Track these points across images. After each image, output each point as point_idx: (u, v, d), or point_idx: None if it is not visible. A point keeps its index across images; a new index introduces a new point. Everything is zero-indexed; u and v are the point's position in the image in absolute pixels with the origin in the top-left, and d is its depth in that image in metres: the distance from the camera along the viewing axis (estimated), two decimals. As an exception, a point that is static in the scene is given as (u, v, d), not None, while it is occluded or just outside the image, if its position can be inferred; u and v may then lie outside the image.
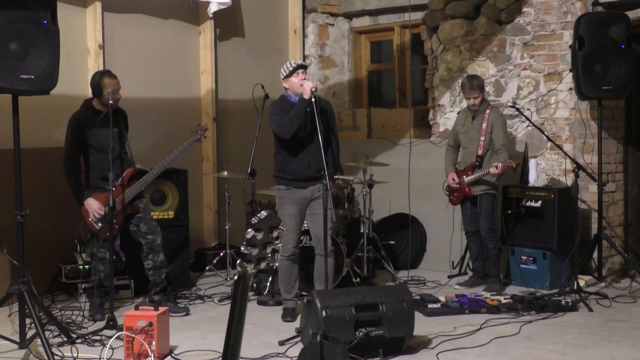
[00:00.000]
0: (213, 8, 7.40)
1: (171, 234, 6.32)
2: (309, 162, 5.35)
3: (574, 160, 6.10)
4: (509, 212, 6.54)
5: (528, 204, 6.51)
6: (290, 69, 5.37)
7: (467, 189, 6.34)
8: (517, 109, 6.19)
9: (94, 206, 5.35)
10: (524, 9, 7.02)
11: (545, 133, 6.40)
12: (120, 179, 5.45)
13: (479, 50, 7.31)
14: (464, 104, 6.53)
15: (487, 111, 6.30)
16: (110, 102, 5.09)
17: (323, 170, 4.96)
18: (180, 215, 6.42)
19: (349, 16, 8.69)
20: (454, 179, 6.40)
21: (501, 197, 6.65)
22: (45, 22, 4.52)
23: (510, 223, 6.58)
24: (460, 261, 7.03)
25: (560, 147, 6.30)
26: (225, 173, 6.65)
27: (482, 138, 6.25)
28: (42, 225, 6.00)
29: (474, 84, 6.28)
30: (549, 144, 6.85)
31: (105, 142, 5.30)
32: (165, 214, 6.33)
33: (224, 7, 7.42)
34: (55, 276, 6.08)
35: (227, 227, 6.71)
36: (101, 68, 6.71)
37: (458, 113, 6.76)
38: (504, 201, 6.66)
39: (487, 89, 7.25)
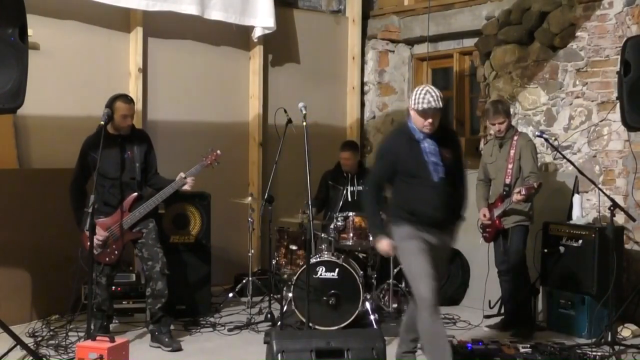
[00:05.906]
0: (257, 33, 7.42)
1: (191, 258, 6.31)
2: (436, 204, 4.38)
3: (609, 198, 5.52)
4: (546, 250, 6.04)
5: (568, 242, 5.97)
6: (422, 107, 4.27)
7: (497, 222, 5.91)
8: (545, 139, 5.73)
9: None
10: (578, 33, 6.53)
11: (579, 168, 5.83)
12: (121, 204, 5.40)
13: (531, 77, 6.86)
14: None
15: (515, 138, 5.86)
16: (102, 122, 5.06)
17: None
18: (202, 240, 6.35)
19: (409, 43, 8.43)
20: (485, 215, 5.99)
21: (541, 234, 6.16)
22: (12, 38, 4.40)
23: (549, 262, 6.07)
24: (498, 300, 6.54)
25: (595, 184, 5.67)
26: (249, 199, 6.55)
27: (510, 166, 5.81)
28: (70, 246, 6.06)
29: (499, 109, 5.83)
30: (602, 177, 6.32)
31: (107, 167, 5.31)
32: (186, 237, 6.30)
33: (269, 31, 7.41)
34: (79, 297, 6.14)
35: (249, 254, 6.58)
36: (140, 91, 6.88)
37: (485, 144, 6.34)
38: (544, 238, 6.16)
39: (537, 118, 6.81)
